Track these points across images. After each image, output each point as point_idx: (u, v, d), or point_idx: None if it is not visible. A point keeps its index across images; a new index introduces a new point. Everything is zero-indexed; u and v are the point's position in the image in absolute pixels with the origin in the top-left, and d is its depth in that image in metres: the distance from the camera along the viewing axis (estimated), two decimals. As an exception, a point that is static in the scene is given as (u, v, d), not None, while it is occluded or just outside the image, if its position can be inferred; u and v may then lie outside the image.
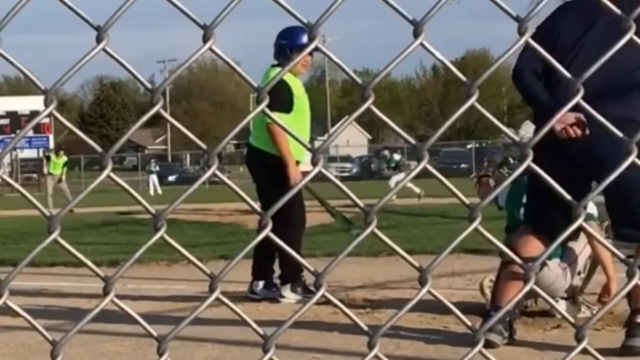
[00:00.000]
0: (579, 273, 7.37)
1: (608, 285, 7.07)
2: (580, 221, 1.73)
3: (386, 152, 37.55)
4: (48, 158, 32.73)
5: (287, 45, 8.36)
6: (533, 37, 1.68)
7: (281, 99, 8.14)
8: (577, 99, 1.70)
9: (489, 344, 5.98)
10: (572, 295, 7.32)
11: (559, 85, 5.72)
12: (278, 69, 8.33)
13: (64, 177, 31.79)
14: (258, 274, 8.61)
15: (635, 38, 1.73)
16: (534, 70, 5.90)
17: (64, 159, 32.14)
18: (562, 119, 5.66)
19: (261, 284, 8.61)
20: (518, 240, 6.24)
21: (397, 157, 36.17)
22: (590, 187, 6.09)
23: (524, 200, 6.69)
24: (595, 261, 7.33)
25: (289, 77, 8.35)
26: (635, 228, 5.99)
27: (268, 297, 8.50)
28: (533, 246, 6.11)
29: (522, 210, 7.03)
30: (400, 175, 33.92)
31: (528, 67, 5.90)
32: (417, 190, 29.05)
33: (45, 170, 32.16)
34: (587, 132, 5.78)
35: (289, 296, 8.42)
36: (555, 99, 5.71)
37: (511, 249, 6.07)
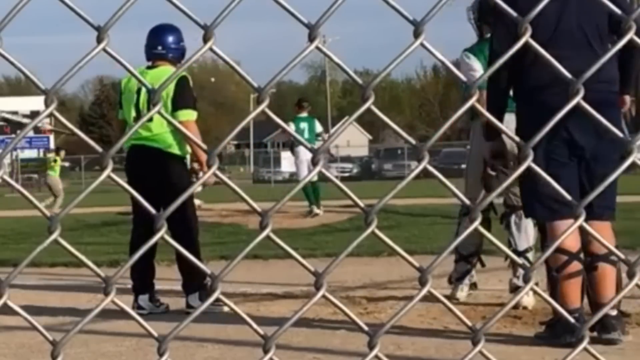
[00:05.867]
0: None
1: None
2: (580, 221, 1.73)
3: None
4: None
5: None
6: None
7: (192, 97, 8.17)
8: (578, 99, 1.70)
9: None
10: None
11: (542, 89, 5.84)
12: (169, 68, 8.23)
13: None
14: (141, 288, 8.04)
15: (636, 38, 1.73)
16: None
17: None
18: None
19: (146, 297, 8.06)
20: (557, 236, 5.87)
21: None
22: None
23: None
24: None
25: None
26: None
27: (154, 312, 7.92)
28: (572, 236, 5.73)
29: None
30: None
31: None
32: None
33: None
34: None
35: (197, 305, 7.84)
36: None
37: (558, 248, 5.76)
